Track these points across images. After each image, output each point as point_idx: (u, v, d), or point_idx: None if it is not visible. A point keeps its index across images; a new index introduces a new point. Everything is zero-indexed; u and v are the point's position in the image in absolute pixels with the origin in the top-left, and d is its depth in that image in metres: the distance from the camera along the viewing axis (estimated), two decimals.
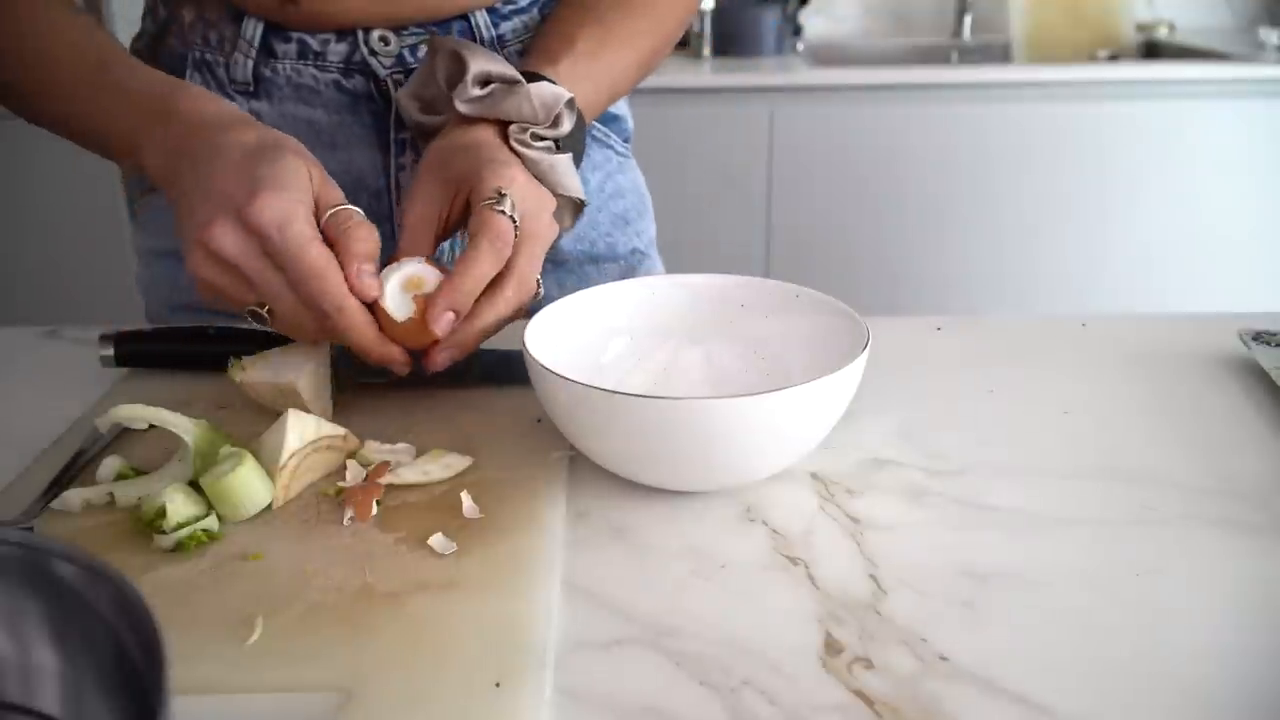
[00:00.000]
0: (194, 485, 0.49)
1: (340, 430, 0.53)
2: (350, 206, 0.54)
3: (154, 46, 0.76)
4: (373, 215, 0.59)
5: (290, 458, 0.50)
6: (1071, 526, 0.49)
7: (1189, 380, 0.63)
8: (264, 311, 0.53)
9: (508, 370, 0.62)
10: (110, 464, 0.52)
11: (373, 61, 0.71)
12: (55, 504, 0.50)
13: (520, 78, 0.61)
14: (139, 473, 0.52)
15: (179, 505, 0.47)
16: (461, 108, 0.61)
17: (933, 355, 0.67)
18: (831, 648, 0.41)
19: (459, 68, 0.62)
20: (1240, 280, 2.15)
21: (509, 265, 0.56)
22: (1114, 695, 0.38)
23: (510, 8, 0.75)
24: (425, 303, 0.54)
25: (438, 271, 0.55)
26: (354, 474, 0.52)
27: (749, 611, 0.43)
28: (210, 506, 0.48)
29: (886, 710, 0.38)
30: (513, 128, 0.61)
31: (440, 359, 0.56)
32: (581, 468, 0.54)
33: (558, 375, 0.48)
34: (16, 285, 2.17)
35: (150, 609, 0.26)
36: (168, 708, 0.24)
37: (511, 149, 0.61)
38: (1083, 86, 2.04)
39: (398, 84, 0.71)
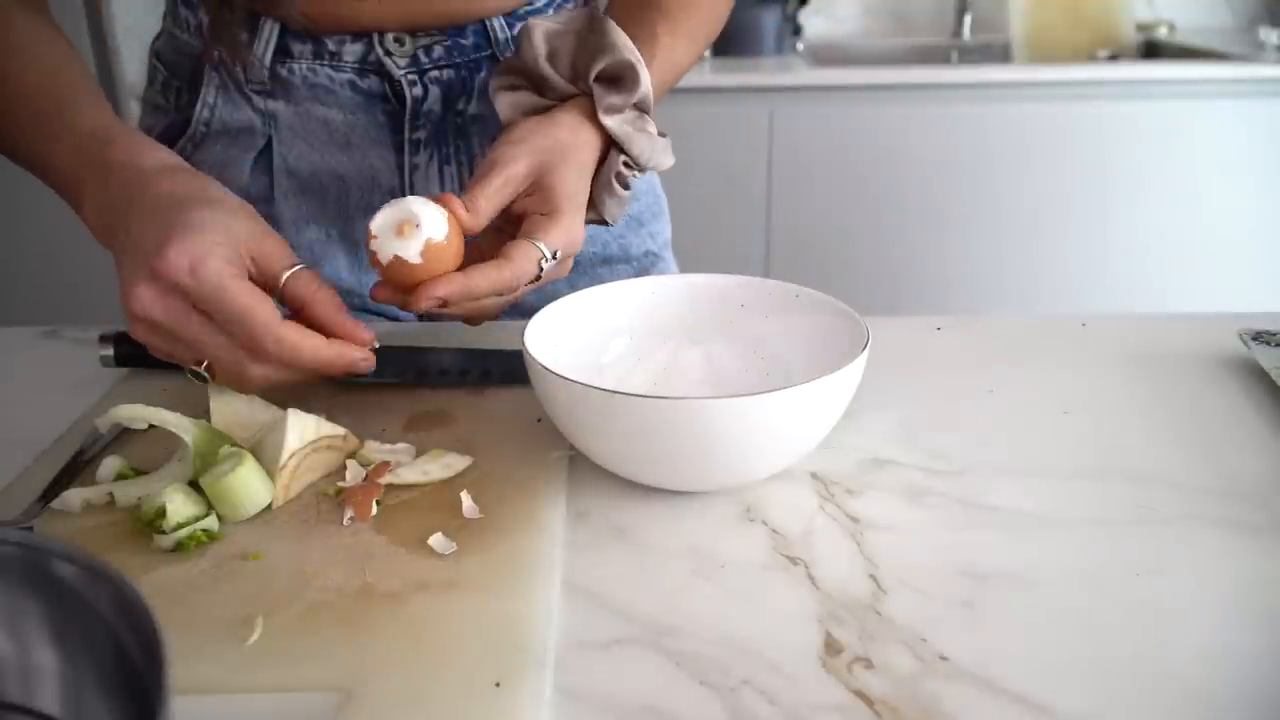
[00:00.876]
0: (194, 485, 0.49)
1: (340, 430, 0.53)
2: (306, 268, 0.54)
3: (172, 46, 0.76)
4: None
5: (290, 458, 0.50)
6: (1071, 526, 0.49)
7: (1189, 380, 0.63)
8: (203, 369, 0.52)
9: (508, 370, 0.62)
10: (110, 464, 0.52)
11: (388, 62, 0.71)
12: (55, 504, 0.50)
13: (649, 104, 0.64)
14: (139, 473, 0.52)
15: (179, 505, 0.47)
16: (605, 119, 0.63)
17: (933, 355, 0.67)
18: (831, 648, 0.41)
19: (620, 75, 0.63)
20: (1240, 280, 2.15)
21: (507, 291, 0.57)
22: (1114, 695, 0.38)
23: (525, 9, 0.75)
24: (427, 253, 0.53)
25: (437, 210, 0.54)
26: (354, 474, 0.52)
27: (749, 611, 0.43)
28: (210, 506, 0.48)
29: (886, 710, 0.38)
30: (622, 159, 0.64)
31: (384, 299, 0.55)
32: (581, 468, 0.54)
33: (558, 375, 0.48)
34: (16, 285, 2.17)
35: (150, 609, 0.26)
36: (168, 708, 0.24)
37: (602, 171, 0.64)
38: (1083, 86, 2.04)
39: (412, 84, 0.72)
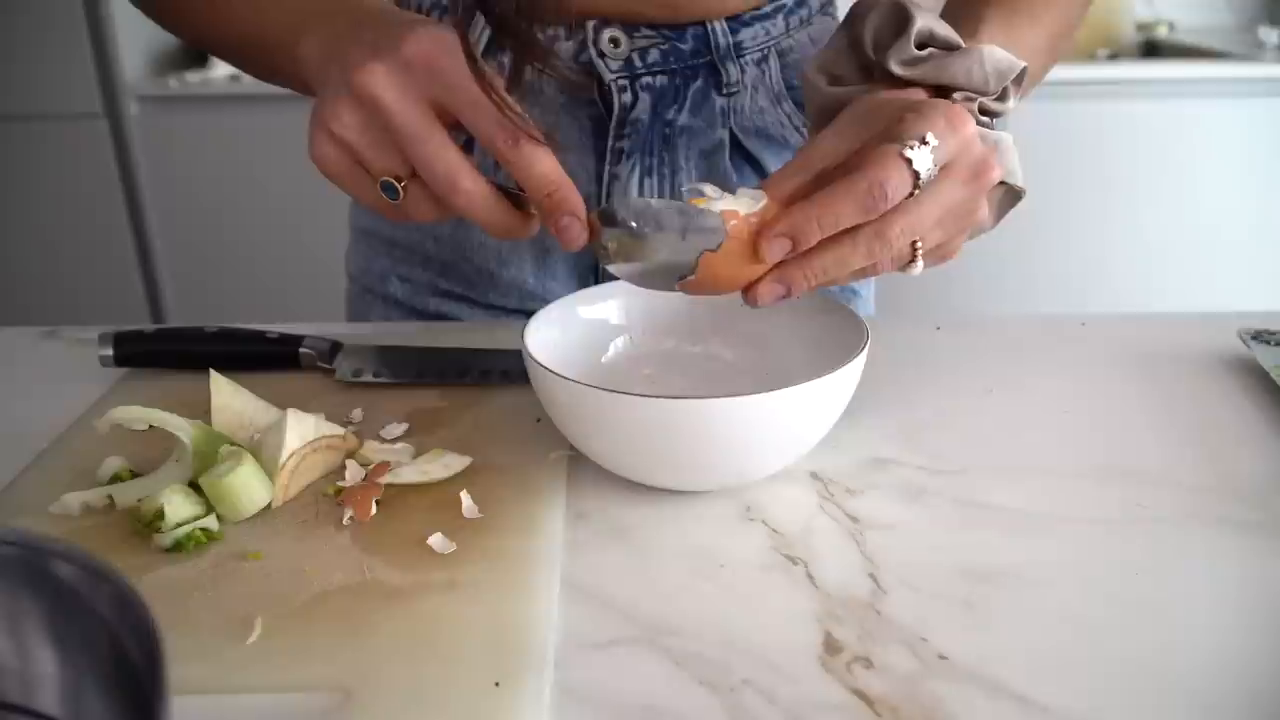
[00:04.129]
0: (194, 486, 0.49)
1: (340, 430, 0.53)
2: (521, 117, 0.49)
3: None
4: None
5: (290, 457, 0.50)
6: (1071, 526, 0.49)
7: (1189, 380, 0.63)
8: (400, 185, 0.49)
9: (508, 370, 0.62)
10: (109, 464, 0.52)
11: (599, 64, 0.67)
12: (54, 507, 0.50)
13: (949, 36, 0.52)
14: (137, 474, 0.52)
15: (177, 506, 0.47)
16: (897, 69, 0.52)
17: (933, 355, 0.67)
18: (831, 647, 0.41)
19: (894, 25, 0.53)
20: (1240, 280, 2.15)
21: (883, 218, 0.46)
22: (1114, 695, 0.38)
23: (752, 13, 0.71)
24: (748, 229, 0.46)
25: (741, 198, 0.48)
26: (353, 474, 0.52)
27: (749, 611, 0.43)
28: (209, 506, 0.48)
29: (886, 710, 0.38)
30: (956, 95, 0.51)
31: (765, 291, 0.48)
32: (581, 468, 0.54)
33: (558, 375, 0.48)
34: (16, 285, 2.17)
35: (150, 609, 0.26)
36: (168, 708, 0.24)
37: None
38: (1083, 86, 2.04)
39: (622, 90, 0.68)
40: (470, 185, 0.48)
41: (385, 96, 0.47)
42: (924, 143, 0.45)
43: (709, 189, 0.48)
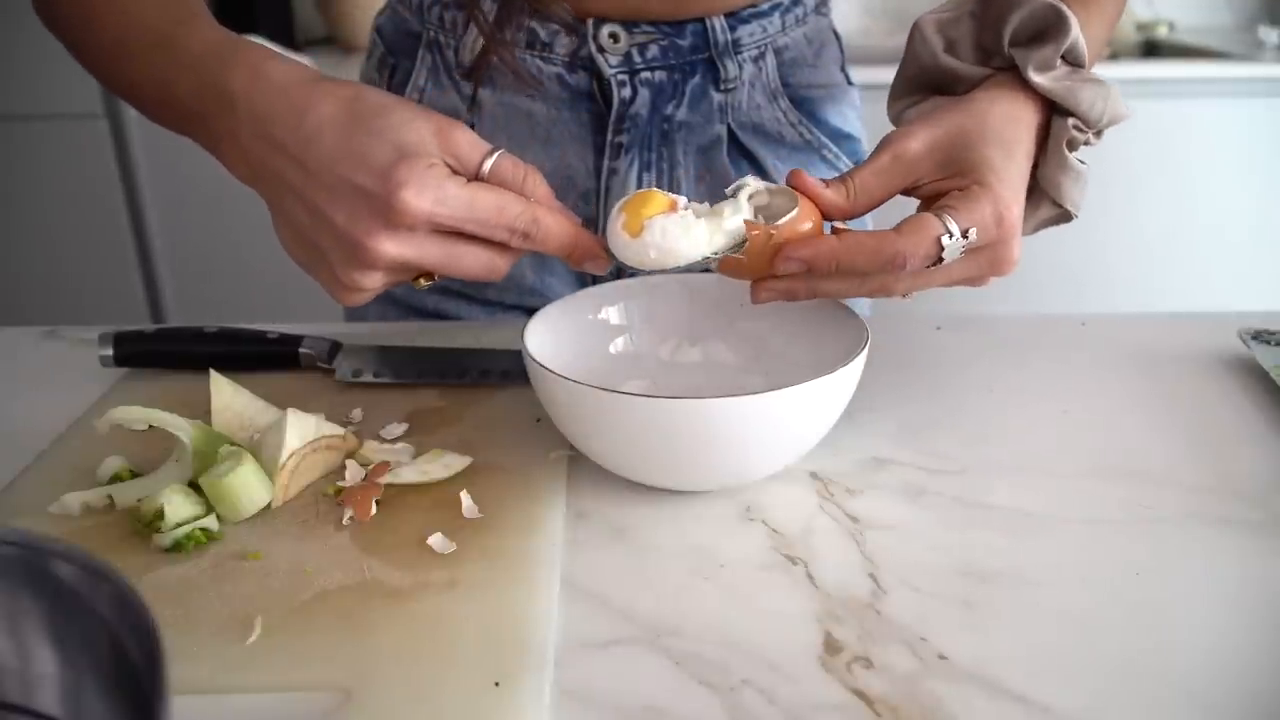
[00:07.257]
0: (194, 486, 0.49)
1: (340, 430, 0.53)
2: (503, 154, 0.50)
3: (394, 23, 0.76)
4: (579, 216, 0.57)
5: (290, 457, 0.50)
6: (1071, 526, 0.49)
7: (1189, 379, 0.63)
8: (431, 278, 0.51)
9: (508, 370, 0.62)
10: (109, 464, 0.52)
11: (599, 59, 0.68)
12: (54, 507, 0.50)
13: (1083, 55, 0.53)
14: (137, 474, 0.52)
15: (177, 506, 0.47)
16: (1036, 77, 0.51)
17: (932, 354, 0.67)
18: (831, 647, 0.41)
19: (1037, 24, 0.52)
20: (1240, 279, 2.14)
21: (891, 269, 0.49)
22: (1114, 695, 0.38)
23: (750, 11, 0.72)
24: (766, 243, 0.48)
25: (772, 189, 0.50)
26: (353, 474, 0.52)
27: (749, 611, 0.43)
28: (209, 506, 0.48)
29: (886, 710, 0.38)
30: (1070, 122, 0.52)
31: (766, 297, 0.51)
32: (581, 468, 0.54)
33: (558, 375, 0.48)
34: (16, 285, 2.17)
35: (150, 609, 0.26)
36: (167, 708, 0.24)
37: (1048, 147, 0.53)
38: None
39: (621, 84, 0.69)
40: (504, 261, 0.51)
41: (406, 257, 0.48)
42: (964, 235, 0.48)
43: (752, 180, 0.50)
